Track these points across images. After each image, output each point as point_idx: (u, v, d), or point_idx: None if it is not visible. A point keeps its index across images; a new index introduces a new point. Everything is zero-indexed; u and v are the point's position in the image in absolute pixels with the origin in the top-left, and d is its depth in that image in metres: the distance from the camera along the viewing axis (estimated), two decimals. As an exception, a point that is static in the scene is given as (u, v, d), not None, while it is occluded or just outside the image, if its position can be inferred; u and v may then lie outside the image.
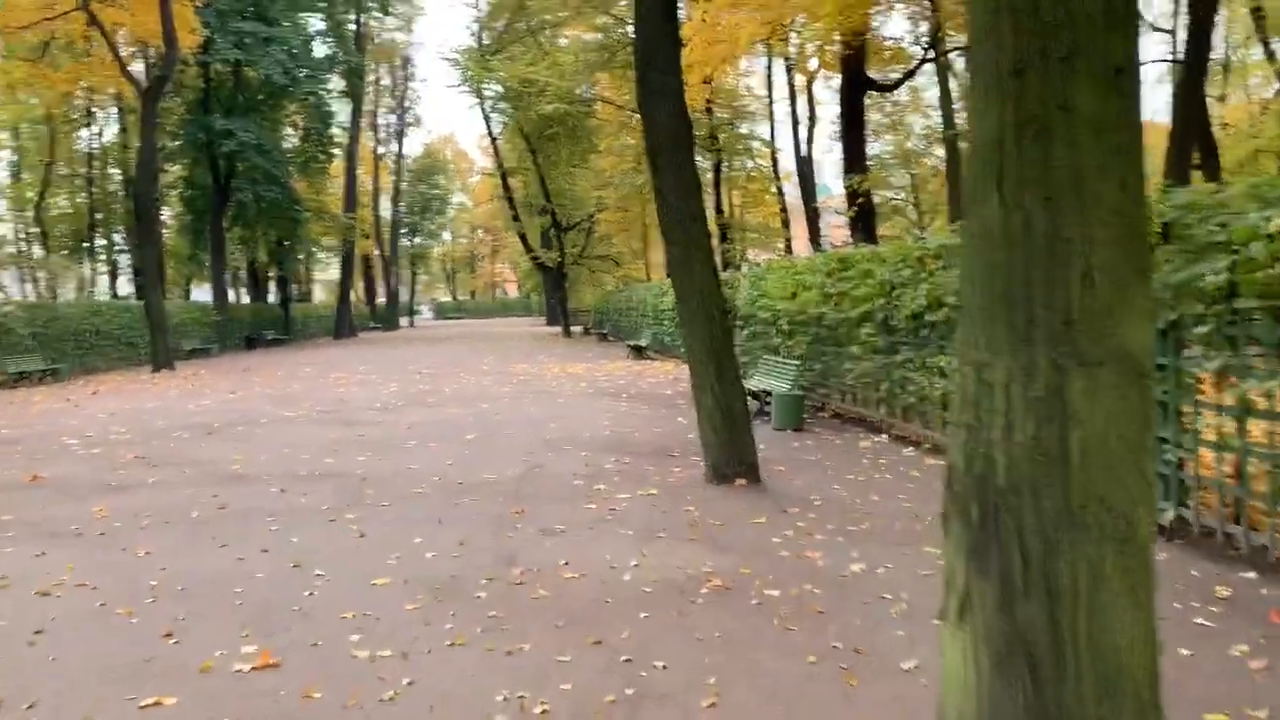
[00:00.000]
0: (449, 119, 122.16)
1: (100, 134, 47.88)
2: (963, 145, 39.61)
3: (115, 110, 43.55)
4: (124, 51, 31.01)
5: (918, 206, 47.99)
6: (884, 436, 10.85)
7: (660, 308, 27.15)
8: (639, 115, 8.32)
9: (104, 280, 51.64)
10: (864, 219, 24.18)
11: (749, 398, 11.30)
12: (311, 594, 5.29)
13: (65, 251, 47.33)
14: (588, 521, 6.93)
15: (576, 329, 47.49)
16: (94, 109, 44.30)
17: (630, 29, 36.46)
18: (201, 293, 62.54)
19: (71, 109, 43.35)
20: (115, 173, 46.20)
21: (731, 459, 8.20)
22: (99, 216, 46.60)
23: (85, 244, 47.06)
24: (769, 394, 12.55)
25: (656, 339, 27.24)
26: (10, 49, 30.83)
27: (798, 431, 11.53)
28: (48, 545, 6.47)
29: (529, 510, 7.30)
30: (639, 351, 26.57)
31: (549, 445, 10.55)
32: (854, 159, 24.45)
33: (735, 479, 8.18)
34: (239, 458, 10.07)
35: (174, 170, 42.16)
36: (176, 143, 38.58)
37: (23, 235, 48.90)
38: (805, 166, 41.15)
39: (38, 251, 45.78)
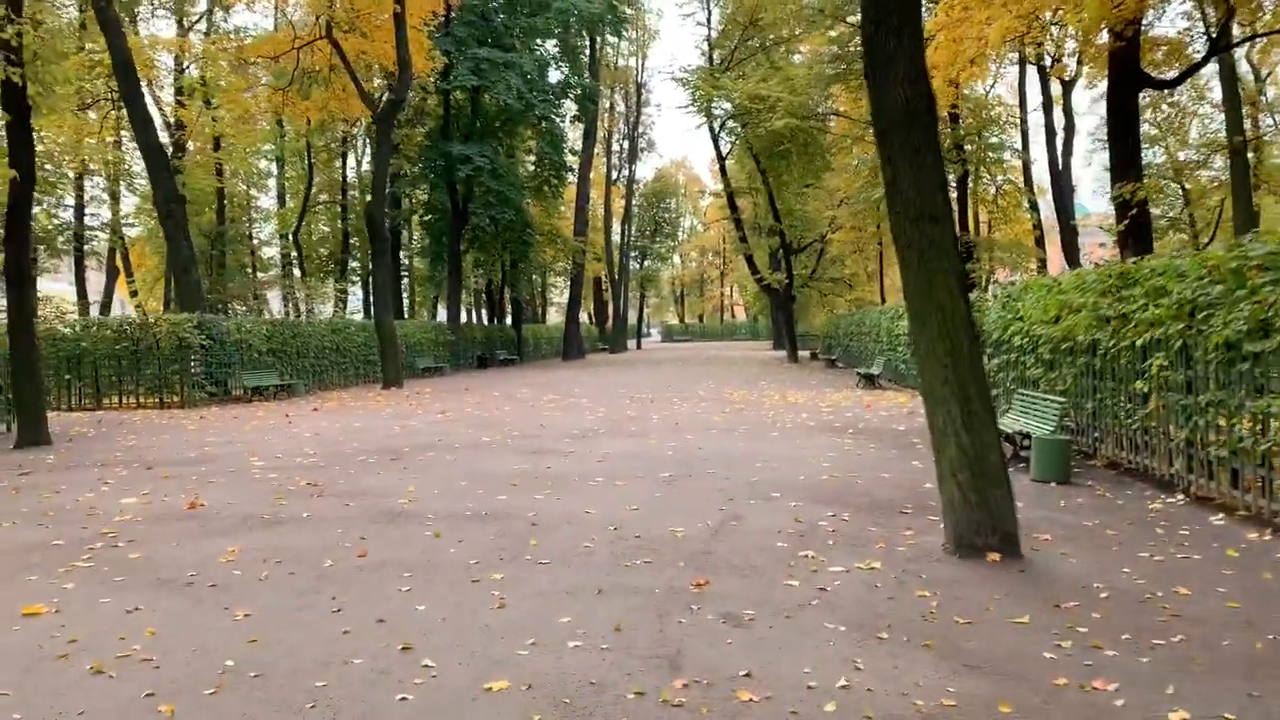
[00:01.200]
0: (681, 143, 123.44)
1: (359, 164, 51.06)
2: (1251, 155, 34.42)
3: (367, 140, 46.14)
4: (367, 82, 32.44)
5: (1192, 225, 42.50)
6: (1180, 497, 8.49)
7: (895, 332, 24.88)
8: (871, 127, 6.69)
9: (355, 301, 54.96)
10: (1137, 234, 20.92)
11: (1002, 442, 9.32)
12: (405, 699, 4.01)
13: (322, 275, 50.67)
14: (787, 605, 5.32)
15: (804, 354, 45.52)
16: (349, 138, 47.15)
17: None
18: (443, 314, 65.82)
19: (331, 139, 46.34)
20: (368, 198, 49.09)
21: (982, 526, 6.33)
22: (353, 241, 49.48)
23: (339, 266, 50.11)
24: (1027, 437, 10.39)
25: (890, 366, 24.98)
26: (271, 77, 32.92)
27: (1063, 485, 9.34)
28: (149, 597, 5.61)
29: (714, 583, 5.78)
30: (870, 380, 24.43)
31: (754, 491, 8.98)
32: (1124, 166, 21.31)
33: (986, 552, 6.29)
34: (411, 489, 9.17)
35: (416, 195, 44.07)
36: (417, 168, 40.11)
37: (286, 259, 52.77)
38: (1061, 180, 37.38)
39: (296, 274, 49.10)
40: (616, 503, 8.40)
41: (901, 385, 24.07)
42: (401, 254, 49.37)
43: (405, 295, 58.65)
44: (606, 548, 6.70)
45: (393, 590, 5.64)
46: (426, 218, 42.35)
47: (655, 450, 11.92)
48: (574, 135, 53.24)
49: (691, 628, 4.94)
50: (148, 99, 27.34)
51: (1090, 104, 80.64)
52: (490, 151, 38.00)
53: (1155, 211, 41.84)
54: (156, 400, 22.09)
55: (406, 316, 49.14)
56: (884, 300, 50.94)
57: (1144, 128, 39.80)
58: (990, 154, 32.51)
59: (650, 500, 8.52)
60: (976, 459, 6.31)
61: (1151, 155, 39.88)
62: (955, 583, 5.78)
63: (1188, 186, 41.34)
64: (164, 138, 30.95)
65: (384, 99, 30.16)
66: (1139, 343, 9.20)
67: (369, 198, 30.87)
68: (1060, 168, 37.77)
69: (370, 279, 47.62)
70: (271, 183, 51.60)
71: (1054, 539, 6.92)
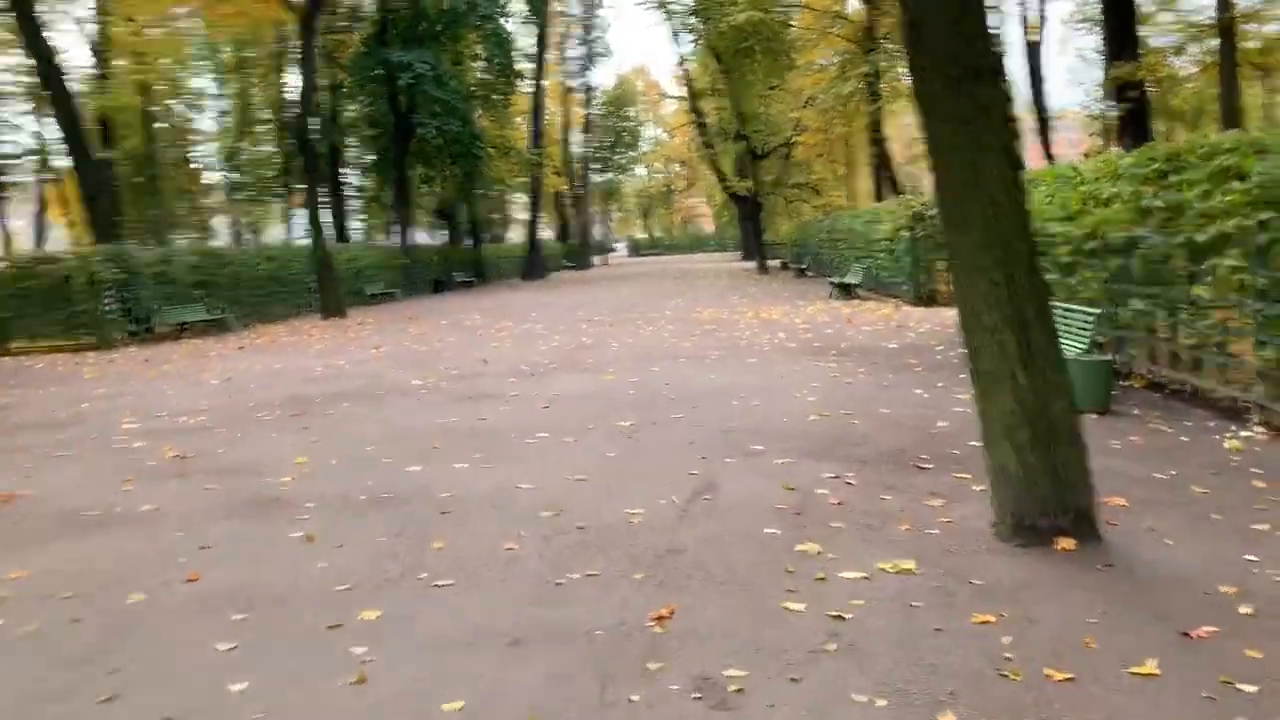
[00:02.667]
0: (641, 49, 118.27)
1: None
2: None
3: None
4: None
5: (1168, 113, 40.37)
6: (1259, 430, 6.83)
7: (872, 238, 23.05)
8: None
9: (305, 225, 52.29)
10: (1136, 121, 19.13)
11: None
12: None
13: (267, 199, 47.80)
14: (790, 655, 3.58)
15: (773, 264, 43.63)
16: (285, 51, 43.83)
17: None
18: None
19: (267, 52, 43.03)
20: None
21: (1049, 503, 4.59)
22: (296, 162, 46.57)
23: (286, 188, 47.28)
24: (1053, 358, 8.69)
25: (869, 274, 23.21)
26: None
27: (1105, 417, 7.66)
28: None
29: (681, 611, 4.03)
30: (846, 290, 22.68)
31: (730, 443, 7.21)
32: (1119, 45, 19.36)
33: (1054, 536, 4.58)
34: (302, 460, 7.33)
35: (354, 109, 41.09)
36: (355, 79, 37.24)
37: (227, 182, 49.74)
38: (1035, 66, 35.15)
39: (238, 199, 46.28)
40: (559, 470, 6.60)
41: (882, 294, 22.36)
42: (347, 171, 46.64)
43: (358, 217, 56.00)
44: (536, 549, 4.92)
45: (209, 651, 3.84)
46: (367, 132, 39.56)
47: (614, 389, 10.11)
48: (528, 42, 50.18)
49: (647, 713, 3.18)
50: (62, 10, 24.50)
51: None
52: (432, 57, 35.20)
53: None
54: (75, 343, 19.94)
55: (359, 239, 46.68)
56: (853, 206, 48.99)
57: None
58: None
59: (602, 464, 6.73)
60: (1039, 410, 4.55)
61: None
62: (1024, 593, 4.06)
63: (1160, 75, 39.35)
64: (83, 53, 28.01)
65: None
66: (1203, 239, 7.43)
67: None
68: (1034, 61, 35.62)
69: (330, 201, 44.95)
70: (212, 104, 48.35)
71: (1131, 504, 5.22)
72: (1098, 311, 8.58)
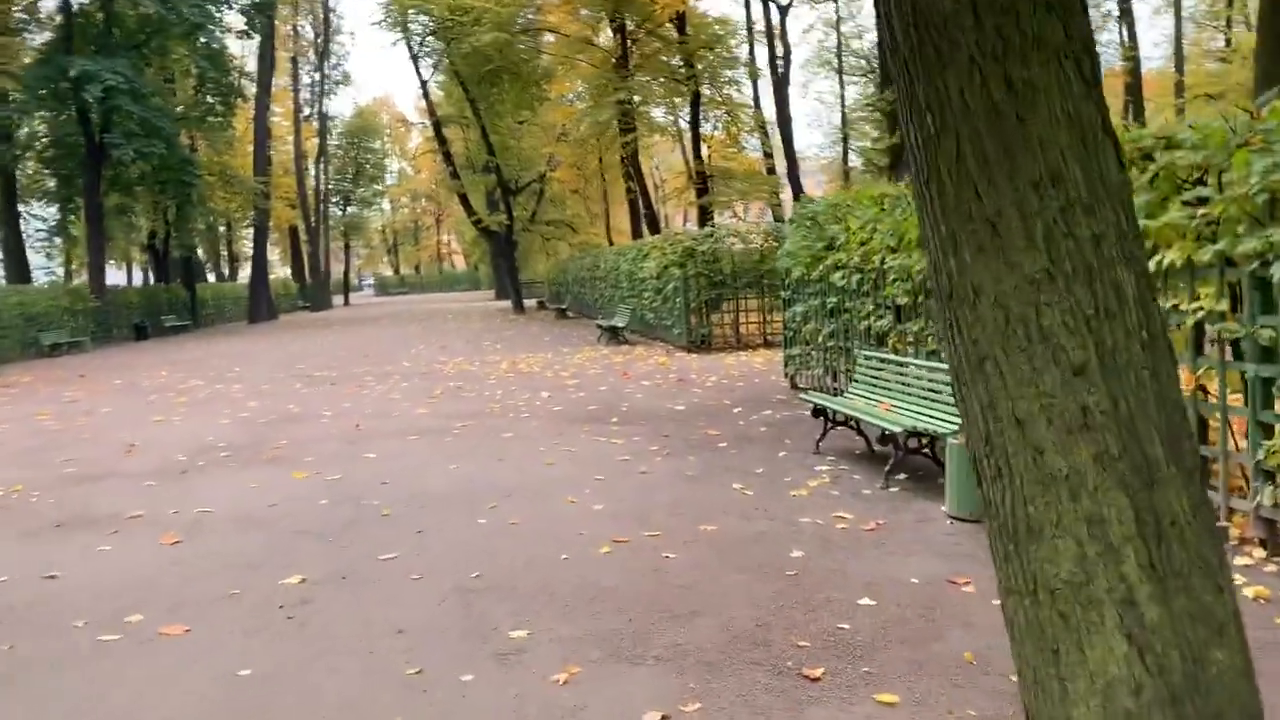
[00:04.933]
0: (383, 79, 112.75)
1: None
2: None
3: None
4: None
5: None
6: (1261, 553, 4.69)
7: (638, 275, 20.81)
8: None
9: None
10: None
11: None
12: None
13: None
14: None
15: (530, 303, 40.94)
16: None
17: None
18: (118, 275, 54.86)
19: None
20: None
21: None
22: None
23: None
24: (923, 437, 6.37)
25: (636, 316, 20.91)
26: None
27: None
28: None
29: None
30: (614, 334, 20.27)
31: (472, 623, 4.23)
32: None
33: None
34: None
35: (39, 126, 34.71)
36: (27, 91, 31.19)
37: None
38: (786, 110, 34.56)
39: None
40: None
41: (652, 338, 20.12)
42: (30, 201, 39.53)
43: (49, 254, 48.24)
44: None
45: None
46: (48, 154, 33.43)
47: (300, 498, 6.83)
48: (252, 62, 45.07)
49: None
50: None
51: (801, 35, 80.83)
52: (127, 67, 29.95)
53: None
54: None
55: (52, 279, 39.64)
56: (611, 243, 47.36)
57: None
58: (727, 70, 29.12)
59: (223, 701, 3.56)
60: (1174, 573, 1.93)
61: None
62: None
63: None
64: None
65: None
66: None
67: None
68: (781, 97, 35.14)
69: (5, 234, 37.36)
70: None
71: None
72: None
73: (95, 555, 5.52)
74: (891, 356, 7.56)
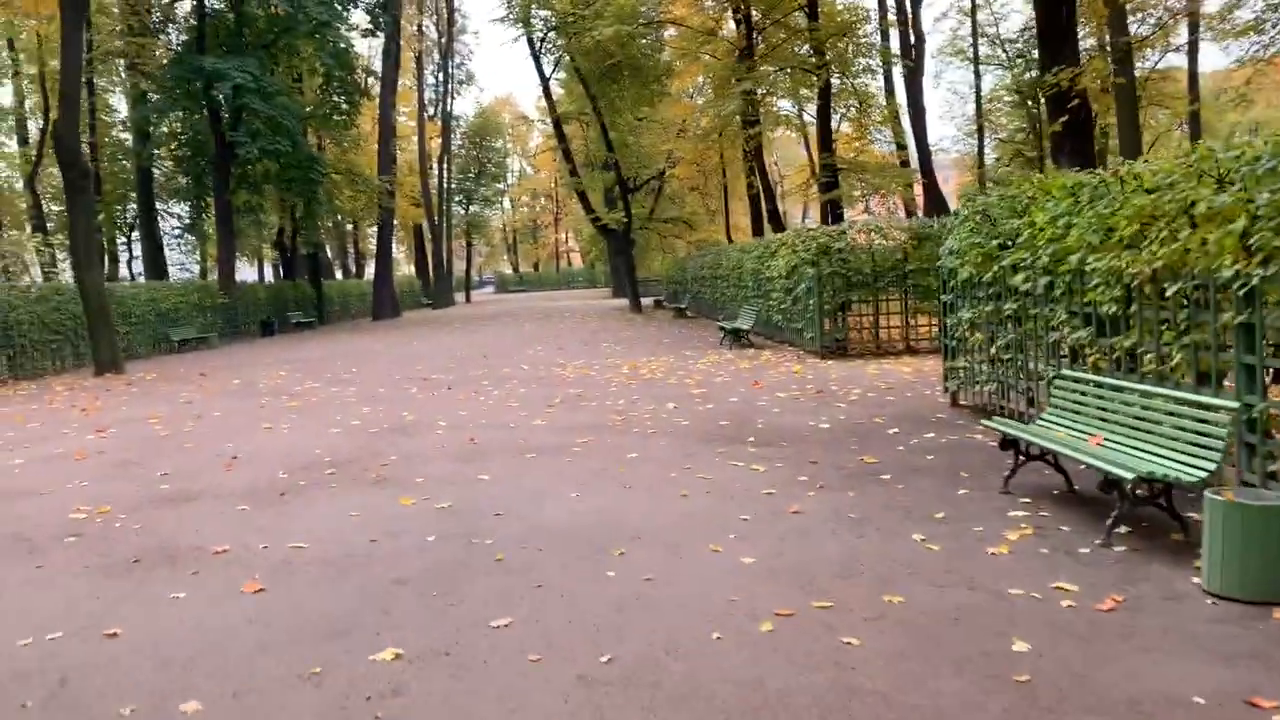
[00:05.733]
0: (506, 79, 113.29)
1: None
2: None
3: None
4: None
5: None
6: None
7: (764, 274, 19.63)
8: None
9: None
10: (1077, 134, 16.29)
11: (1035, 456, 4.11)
12: None
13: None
14: None
15: (646, 301, 40.05)
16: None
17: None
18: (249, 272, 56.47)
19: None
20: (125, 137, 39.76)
21: None
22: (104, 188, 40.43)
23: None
24: (1158, 484, 5.08)
25: (761, 318, 19.73)
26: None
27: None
28: None
29: None
30: (737, 336, 19.15)
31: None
32: (1057, 45, 16.58)
33: None
34: None
35: (177, 126, 35.56)
36: (163, 90, 31.99)
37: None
38: (918, 102, 32.56)
39: (26, 231, 39.75)
40: None
41: (777, 342, 18.92)
42: (166, 199, 40.80)
43: (186, 252, 50.01)
44: None
45: None
46: (180, 152, 34.24)
47: (403, 531, 5.99)
48: (374, 58, 45.60)
49: None
50: None
51: (933, 23, 77.83)
52: (256, 67, 30.33)
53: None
54: None
55: (188, 277, 40.84)
56: (730, 240, 46.12)
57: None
58: (860, 58, 27.56)
59: None
60: None
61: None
62: None
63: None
64: None
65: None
66: None
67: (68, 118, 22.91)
68: (914, 87, 33.15)
69: (142, 233, 38.54)
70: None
71: None
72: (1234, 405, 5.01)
73: (167, 605, 4.76)
74: (1109, 380, 6.23)
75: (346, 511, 6.55)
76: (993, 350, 8.88)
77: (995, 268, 8.60)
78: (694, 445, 8.53)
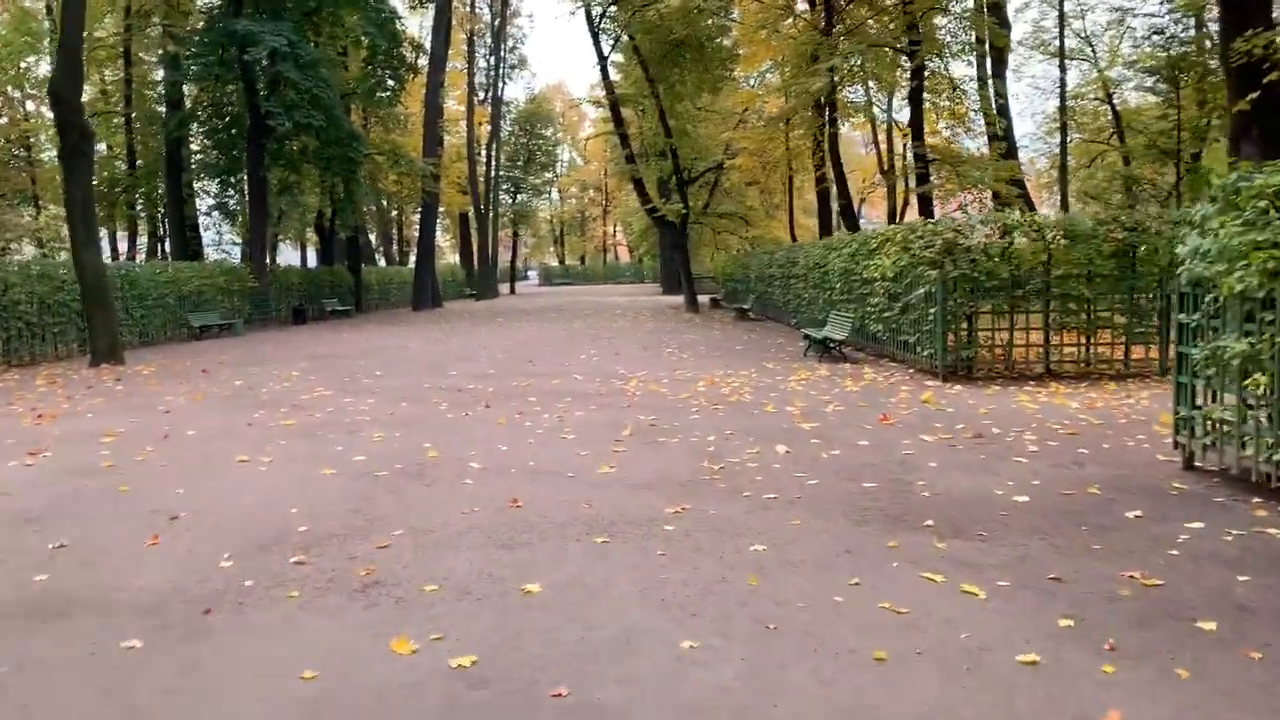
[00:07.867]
0: (558, 65, 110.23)
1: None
2: None
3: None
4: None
5: None
6: None
7: (858, 274, 16.68)
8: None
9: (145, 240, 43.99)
10: (1269, 116, 13.16)
11: None
12: None
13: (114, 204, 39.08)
14: None
15: (702, 299, 37.13)
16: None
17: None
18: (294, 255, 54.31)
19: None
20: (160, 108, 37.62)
21: None
22: (139, 164, 38.41)
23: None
24: None
25: (855, 326, 16.78)
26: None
27: None
28: None
29: None
30: (826, 347, 16.23)
31: None
32: (1242, 7, 13.47)
33: None
34: None
35: (207, 93, 33.22)
36: (193, 56, 29.62)
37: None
38: (1001, 83, 29.05)
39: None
40: None
41: (877, 355, 16.00)
42: (199, 173, 38.58)
43: (223, 231, 47.85)
44: None
45: None
46: (209, 123, 31.92)
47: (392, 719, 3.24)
48: (424, 36, 43.07)
49: None
50: None
51: (1014, 14, 74.05)
52: (292, 32, 27.86)
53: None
54: None
55: (225, 260, 38.48)
56: (794, 238, 43.03)
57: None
58: (958, 36, 24.44)
59: None
60: None
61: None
62: None
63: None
64: None
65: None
66: None
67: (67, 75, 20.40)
68: (1000, 77, 29.72)
69: (170, 211, 36.19)
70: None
71: None
72: None
73: None
74: None
75: (298, 667, 3.79)
76: (1272, 394, 5.92)
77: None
78: (844, 528, 5.69)
